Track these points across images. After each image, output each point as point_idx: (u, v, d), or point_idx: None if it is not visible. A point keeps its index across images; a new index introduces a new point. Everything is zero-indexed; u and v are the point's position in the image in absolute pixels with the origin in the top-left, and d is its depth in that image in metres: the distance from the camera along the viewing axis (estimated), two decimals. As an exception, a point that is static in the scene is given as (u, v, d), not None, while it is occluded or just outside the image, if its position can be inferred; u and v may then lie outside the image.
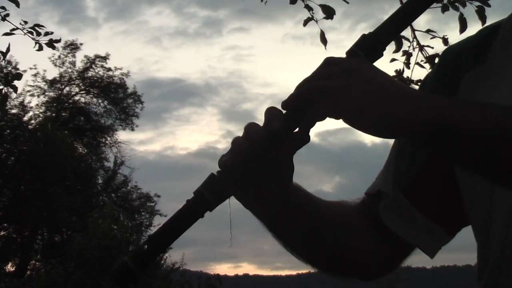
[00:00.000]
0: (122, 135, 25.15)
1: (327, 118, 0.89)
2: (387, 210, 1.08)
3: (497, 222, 0.94)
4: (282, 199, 0.99)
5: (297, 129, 0.92)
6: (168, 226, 0.92)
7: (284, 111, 0.91)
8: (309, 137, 0.93)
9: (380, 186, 1.10)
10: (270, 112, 0.91)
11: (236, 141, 0.92)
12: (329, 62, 0.90)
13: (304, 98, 0.88)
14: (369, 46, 0.92)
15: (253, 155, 0.91)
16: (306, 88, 0.88)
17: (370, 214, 1.10)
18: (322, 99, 0.86)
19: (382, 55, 0.94)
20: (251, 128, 0.92)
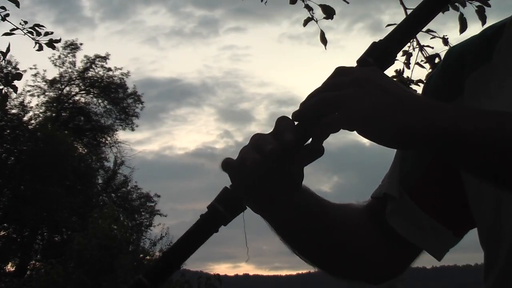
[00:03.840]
0: (120, 135, 25.09)
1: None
2: (393, 212, 1.08)
3: (507, 221, 0.93)
4: (291, 204, 0.99)
5: (309, 141, 0.91)
6: (183, 242, 0.91)
7: (295, 122, 0.89)
8: (323, 149, 0.91)
9: (386, 189, 1.09)
10: (282, 123, 0.89)
11: (246, 154, 0.90)
12: (340, 72, 0.88)
13: (316, 109, 0.86)
14: (380, 54, 0.91)
15: (266, 169, 0.89)
16: (318, 99, 0.86)
17: (377, 217, 1.10)
18: (334, 110, 0.84)
19: (393, 62, 0.93)
20: (261, 140, 0.89)
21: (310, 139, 0.91)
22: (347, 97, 0.83)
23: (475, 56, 1.03)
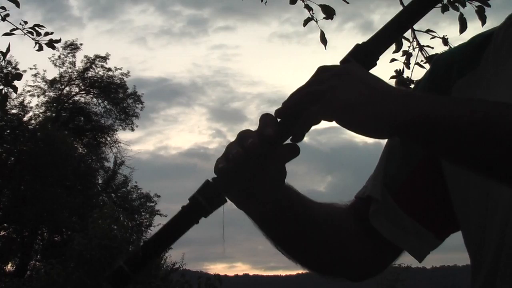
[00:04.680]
0: (118, 135, 25.03)
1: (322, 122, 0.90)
2: (376, 213, 1.10)
3: (492, 227, 0.94)
4: (273, 201, 1.01)
5: (289, 139, 0.94)
6: (163, 232, 0.93)
7: (278, 119, 0.92)
8: (299, 149, 0.95)
9: (369, 192, 1.11)
10: (264, 119, 0.93)
11: (230, 148, 0.93)
12: (321, 70, 0.91)
13: (297, 104, 0.90)
14: (363, 56, 0.94)
15: (247, 163, 0.92)
16: (300, 94, 0.90)
17: (360, 217, 1.11)
18: (316, 103, 0.87)
19: (375, 64, 0.95)
20: (244, 135, 0.93)
21: (292, 135, 0.93)
22: (327, 89, 0.87)
23: (463, 63, 1.05)
